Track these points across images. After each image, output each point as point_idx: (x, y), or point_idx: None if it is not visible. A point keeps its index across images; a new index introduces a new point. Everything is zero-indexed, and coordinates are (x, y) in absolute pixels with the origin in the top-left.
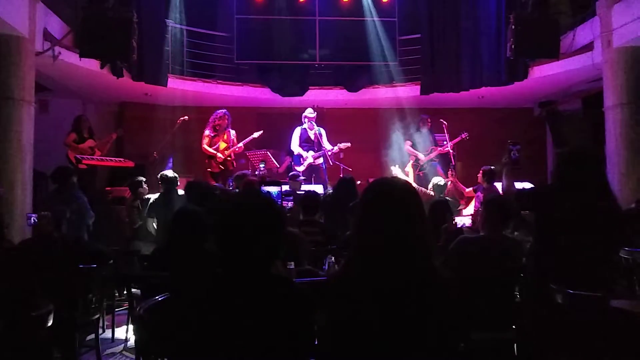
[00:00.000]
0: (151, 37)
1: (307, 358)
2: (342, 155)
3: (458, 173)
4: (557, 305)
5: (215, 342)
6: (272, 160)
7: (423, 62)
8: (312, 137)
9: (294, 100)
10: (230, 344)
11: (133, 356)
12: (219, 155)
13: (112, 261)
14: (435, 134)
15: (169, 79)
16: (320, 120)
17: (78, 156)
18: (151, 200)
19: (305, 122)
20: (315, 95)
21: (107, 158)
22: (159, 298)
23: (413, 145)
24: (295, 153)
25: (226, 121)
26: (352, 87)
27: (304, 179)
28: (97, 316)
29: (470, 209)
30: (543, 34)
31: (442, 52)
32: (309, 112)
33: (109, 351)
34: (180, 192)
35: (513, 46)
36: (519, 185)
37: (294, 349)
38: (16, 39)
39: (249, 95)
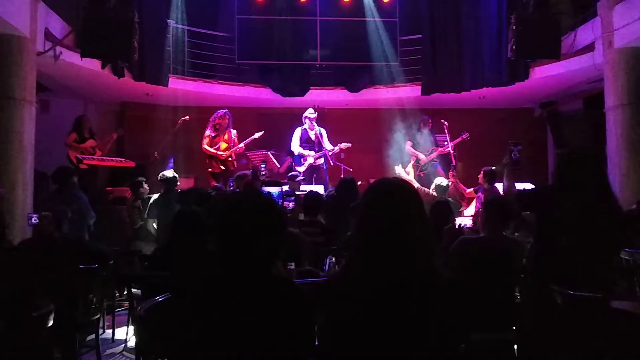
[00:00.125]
0: (152, 37)
1: (307, 358)
2: (342, 156)
3: (459, 173)
4: (557, 306)
5: (216, 342)
6: (273, 161)
7: (424, 62)
8: (313, 137)
9: (295, 101)
10: (231, 344)
11: (133, 356)
12: (221, 153)
13: (112, 261)
14: (436, 135)
15: (170, 79)
16: (321, 121)
17: (79, 156)
18: (151, 201)
19: (305, 123)
20: (316, 95)
21: (108, 158)
22: (159, 298)
23: (414, 146)
24: (296, 153)
25: (227, 121)
26: (353, 88)
27: (303, 179)
28: (97, 316)
29: (471, 210)
30: (544, 35)
31: (443, 53)
32: (310, 113)
33: (109, 351)
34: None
35: (514, 47)
36: (519, 185)
37: (294, 350)
38: (17, 38)
39: (250, 95)
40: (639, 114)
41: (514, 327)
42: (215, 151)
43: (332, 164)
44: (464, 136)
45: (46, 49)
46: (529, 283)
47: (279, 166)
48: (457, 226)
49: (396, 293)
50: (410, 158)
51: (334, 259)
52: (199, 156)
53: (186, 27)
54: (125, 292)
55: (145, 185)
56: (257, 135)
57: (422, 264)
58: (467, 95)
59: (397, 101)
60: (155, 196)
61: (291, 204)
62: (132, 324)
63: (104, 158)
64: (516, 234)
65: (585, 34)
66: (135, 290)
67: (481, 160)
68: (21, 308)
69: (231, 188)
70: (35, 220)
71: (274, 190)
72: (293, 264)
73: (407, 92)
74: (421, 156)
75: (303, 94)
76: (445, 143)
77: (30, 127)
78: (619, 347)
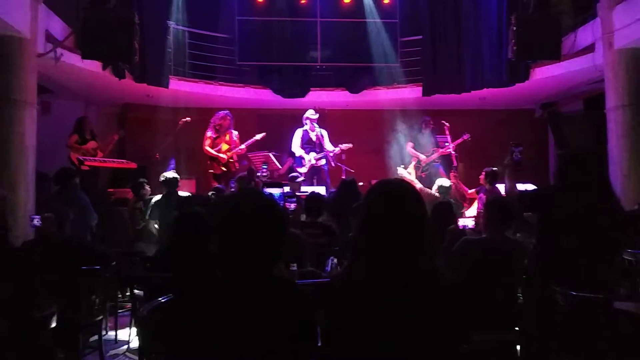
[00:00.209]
0: (153, 39)
1: (310, 359)
2: (344, 157)
3: (460, 174)
4: (559, 307)
5: (218, 343)
6: (274, 162)
7: (424, 63)
8: (314, 138)
9: (296, 102)
10: (233, 345)
11: (136, 357)
12: (222, 155)
13: (114, 262)
14: (437, 136)
15: (171, 81)
16: (321, 122)
17: (80, 157)
18: (153, 202)
19: (306, 124)
20: (317, 96)
21: (110, 159)
22: (162, 299)
23: (415, 147)
24: (297, 155)
25: (228, 122)
26: (354, 89)
27: (303, 180)
28: (100, 317)
29: (472, 211)
30: (544, 35)
31: (444, 54)
32: (311, 114)
33: (112, 352)
34: (182, 193)
35: (514, 47)
36: (521, 186)
37: (297, 351)
38: (18, 40)
39: (251, 96)
40: (639, 114)
41: (516, 328)
42: (216, 153)
43: (333, 165)
44: (464, 137)
45: (47, 50)
46: (530, 284)
47: (280, 167)
48: (459, 227)
49: (398, 294)
50: (412, 159)
51: (335, 260)
52: (200, 157)
53: (187, 29)
54: (128, 293)
55: (147, 187)
56: (258, 136)
57: (424, 264)
58: (467, 96)
59: (398, 102)
60: (156, 197)
61: (293, 205)
62: (135, 325)
63: (106, 159)
64: (518, 234)
65: (585, 34)
66: (138, 291)
67: (482, 161)
68: (24, 309)
69: (232, 189)
70: (37, 221)
71: (275, 191)
72: (295, 265)
73: (408, 93)
74: (422, 157)
75: (303, 95)
76: (446, 144)
77: (31, 128)
78: (621, 348)
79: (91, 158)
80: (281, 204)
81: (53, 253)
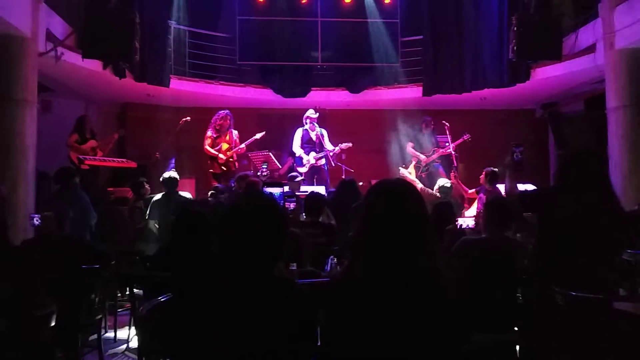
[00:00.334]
0: (153, 38)
1: (309, 359)
2: (344, 157)
3: (460, 174)
4: (559, 307)
5: (218, 343)
6: (274, 161)
7: (425, 63)
8: (314, 138)
9: (296, 102)
10: (233, 345)
11: (135, 356)
12: (221, 156)
13: (114, 262)
14: (437, 136)
15: (171, 80)
16: (322, 122)
17: (80, 157)
18: (153, 201)
19: (306, 123)
20: (317, 96)
21: (110, 159)
22: (161, 298)
23: (415, 147)
24: (297, 155)
25: (228, 122)
26: (354, 89)
27: (302, 180)
28: (99, 316)
29: (472, 211)
30: (545, 36)
31: (445, 54)
32: (311, 113)
33: (111, 351)
34: (183, 193)
35: (515, 48)
36: (521, 186)
37: (297, 351)
38: (19, 39)
39: (251, 96)
40: None
41: (516, 328)
42: (216, 153)
43: (333, 164)
44: (465, 137)
45: (47, 49)
46: (530, 284)
47: (280, 167)
48: (458, 227)
49: (398, 293)
50: (412, 159)
51: (335, 260)
52: (200, 157)
53: (187, 28)
54: (127, 293)
55: (147, 186)
56: (258, 135)
57: (424, 264)
58: (468, 96)
59: (398, 102)
60: (156, 196)
61: (292, 205)
62: (134, 325)
63: (106, 159)
64: (518, 234)
65: (586, 35)
66: (137, 290)
67: (482, 161)
68: (23, 308)
69: (233, 188)
70: (37, 220)
71: (275, 191)
72: (295, 264)
73: (408, 93)
74: (422, 157)
75: (304, 95)
76: (447, 144)
77: (31, 127)
78: (621, 348)
79: (91, 157)
80: (281, 204)
81: (52, 252)
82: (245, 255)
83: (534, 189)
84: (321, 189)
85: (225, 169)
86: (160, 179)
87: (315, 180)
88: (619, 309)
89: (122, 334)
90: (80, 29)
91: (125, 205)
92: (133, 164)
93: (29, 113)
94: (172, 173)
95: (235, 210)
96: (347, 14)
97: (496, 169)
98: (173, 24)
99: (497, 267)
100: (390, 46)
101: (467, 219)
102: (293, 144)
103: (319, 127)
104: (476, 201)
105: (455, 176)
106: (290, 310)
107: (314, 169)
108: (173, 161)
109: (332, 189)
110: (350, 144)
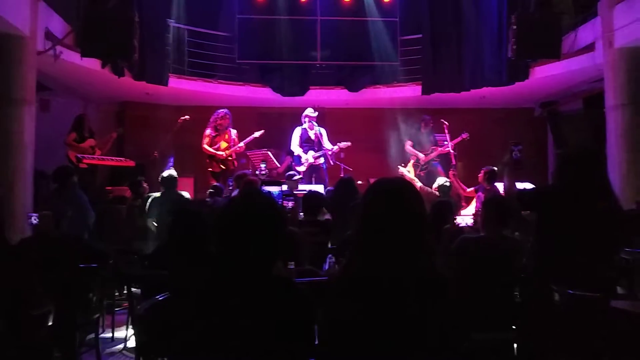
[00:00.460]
0: (152, 37)
1: (307, 358)
2: (342, 155)
3: (459, 173)
4: (557, 306)
5: (216, 342)
6: (273, 160)
7: (424, 62)
8: (313, 137)
9: (295, 100)
10: (230, 344)
11: (133, 356)
12: (220, 153)
13: (112, 260)
14: (436, 134)
15: (170, 79)
16: (321, 120)
17: (79, 155)
18: (151, 200)
19: (305, 122)
20: (316, 95)
21: (108, 157)
22: (159, 297)
23: (414, 145)
24: (295, 154)
25: (227, 121)
26: (353, 87)
27: (300, 179)
28: (97, 315)
29: (470, 210)
30: (544, 34)
31: (444, 53)
32: (310, 112)
33: (108, 350)
34: (183, 193)
35: (514, 46)
36: (520, 185)
37: (295, 350)
38: (18, 38)
39: (250, 95)
40: (638, 114)
41: (514, 327)
42: (215, 151)
43: (332, 163)
44: (463, 136)
45: (46, 48)
46: (528, 282)
47: (278, 165)
48: (456, 225)
49: (396, 292)
50: (410, 157)
51: (334, 259)
52: (199, 155)
53: (186, 27)
54: (125, 292)
55: (145, 185)
56: (257, 134)
57: (422, 263)
58: (467, 95)
59: (397, 101)
60: (155, 195)
61: (290, 204)
62: (132, 324)
63: (104, 157)
64: (516, 233)
65: (585, 33)
66: (135, 289)
67: (481, 160)
68: (21, 307)
69: (230, 187)
70: (35, 219)
71: (273, 189)
72: (293, 263)
73: (407, 92)
74: (421, 156)
75: (303, 94)
76: (445, 143)
77: (30, 126)
78: (619, 347)
79: (89, 156)
80: (279, 203)
81: (50, 251)
82: (243, 254)
83: (533, 188)
84: (320, 188)
85: (224, 167)
86: (159, 178)
87: (313, 179)
88: (616, 307)
89: (119, 333)
90: (79, 27)
91: (123, 204)
92: (131, 163)
93: (28, 112)
94: (171, 171)
95: (233, 209)
96: (347, 12)
97: (495, 168)
98: (172, 22)
99: (496, 266)
100: (389, 45)
101: (465, 217)
102: (292, 143)
103: (318, 126)
104: (474, 200)
105: (453, 175)
106: (288, 309)
107: (312, 167)
108: (172, 160)
109: (331, 188)
110: (349, 143)
